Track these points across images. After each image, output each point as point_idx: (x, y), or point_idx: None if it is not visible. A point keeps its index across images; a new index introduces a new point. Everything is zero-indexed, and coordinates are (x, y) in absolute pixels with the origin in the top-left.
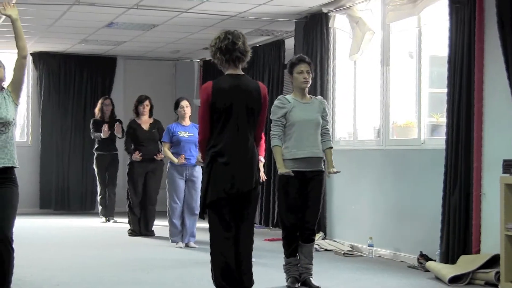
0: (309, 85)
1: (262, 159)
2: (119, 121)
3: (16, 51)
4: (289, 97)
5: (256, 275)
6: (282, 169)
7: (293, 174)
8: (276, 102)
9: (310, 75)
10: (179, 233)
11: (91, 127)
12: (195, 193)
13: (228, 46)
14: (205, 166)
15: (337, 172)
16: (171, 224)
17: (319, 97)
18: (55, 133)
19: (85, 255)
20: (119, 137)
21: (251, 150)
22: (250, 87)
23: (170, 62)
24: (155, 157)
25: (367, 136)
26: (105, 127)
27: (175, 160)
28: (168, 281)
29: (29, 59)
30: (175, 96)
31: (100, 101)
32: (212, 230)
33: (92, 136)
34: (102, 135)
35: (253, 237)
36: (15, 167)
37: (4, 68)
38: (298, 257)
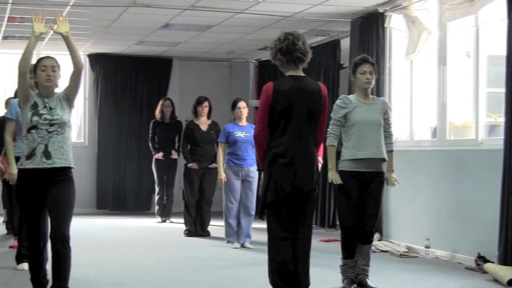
0: (372, 86)
1: (320, 159)
2: (179, 122)
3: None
4: (351, 97)
5: (312, 276)
6: (332, 174)
7: (341, 182)
8: (338, 102)
9: (373, 75)
10: (235, 234)
11: (150, 130)
12: (251, 193)
13: (288, 46)
14: (265, 166)
15: (395, 182)
16: (227, 224)
17: (382, 98)
18: (112, 134)
19: (141, 255)
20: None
21: (312, 151)
22: (312, 89)
23: (225, 63)
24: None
25: (424, 137)
26: (160, 154)
27: (223, 174)
28: (223, 281)
29: (86, 61)
30: (230, 97)
31: (160, 102)
32: (270, 230)
33: (149, 144)
34: (155, 156)
35: (311, 237)
36: (72, 167)
37: (59, 68)
38: (355, 259)
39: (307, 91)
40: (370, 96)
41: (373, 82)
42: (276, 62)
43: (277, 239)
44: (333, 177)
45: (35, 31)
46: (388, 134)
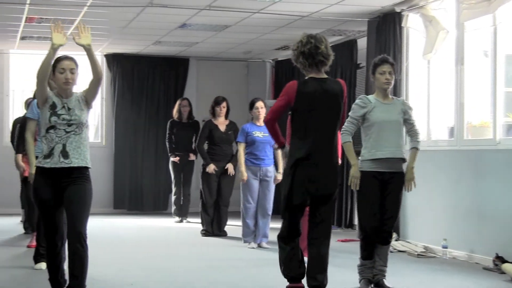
0: (391, 86)
1: (339, 160)
2: (197, 122)
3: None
4: (371, 97)
5: (329, 276)
6: (354, 170)
7: (358, 189)
8: (357, 101)
9: (393, 76)
10: (252, 234)
11: (167, 130)
12: (269, 193)
13: (311, 50)
14: (288, 168)
15: (413, 186)
16: (244, 224)
17: (401, 98)
18: (129, 134)
19: (158, 255)
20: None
21: (335, 153)
22: (335, 91)
23: (242, 62)
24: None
25: (441, 137)
26: (176, 158)
27: (245, 174)
28: (240, 281)
29: (103, 61)
30: (247, 96)
31: (178, 102)
32: (285, 225)
33: (167, 144)
34: (172, 159)
35: (330, 237)
36: (89, 167)
37: (77, 68)
38: (374, 260)
39: (331, 93)
40: (390, 96)
41: (393, 82)
42: (298, 65)
43: (292, 235)
44: (354, 175)
45: (54, 43)
46: (413, 133)
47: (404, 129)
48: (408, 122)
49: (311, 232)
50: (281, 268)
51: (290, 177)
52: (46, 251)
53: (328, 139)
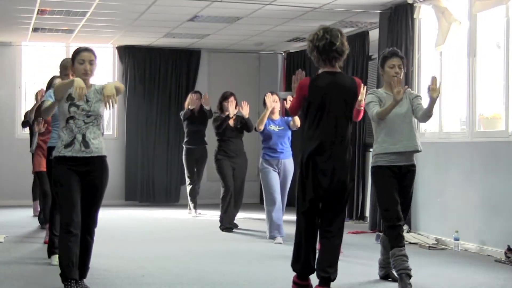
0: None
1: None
2: (205, 112)
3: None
4: (380, 90)
5: (339, 269)
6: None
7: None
8: (370, 96)
9: (402, 69)
10: (278, 228)
11: (184, 111)
12: (285, 187)
13: (325, 46)
14: (301, 162)
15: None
16: (270, 218)
17: (407, 89)
18: (140, 126)
19: (170, 247)
20: (206, 109)
21: (348, 147)
22: (348, 84)
23: (254, 54)
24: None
25: (453, 128)
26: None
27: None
28: (253, 274)
29: (115, 53)
30: (259, 88)
31: (189, 96)
32: (300, 220)
33: (182, 113)
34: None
35: (343, 230)
36: (106, 155)
37: (95, 59)
38: (403, 248)
39: (343, 87)
40: None
41: (401, 76)
42: (312, 58)
43: (307, 229)
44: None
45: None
46: (420, 107)
47: (415, 121)
48: (417, 109)
49: (324, 225)
50: (292, 261)
51: (304, 172)
52: (61, 230)
53: (341, 132)
